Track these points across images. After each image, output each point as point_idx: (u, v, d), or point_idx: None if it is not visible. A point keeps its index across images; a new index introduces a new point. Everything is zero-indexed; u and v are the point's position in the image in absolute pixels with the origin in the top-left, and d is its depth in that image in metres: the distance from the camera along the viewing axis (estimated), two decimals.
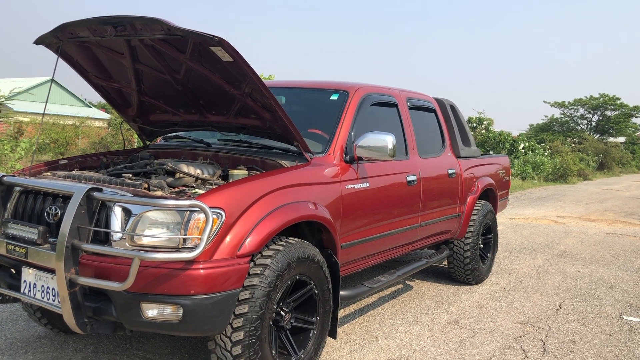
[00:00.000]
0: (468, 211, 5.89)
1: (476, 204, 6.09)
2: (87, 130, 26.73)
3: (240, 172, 3.69)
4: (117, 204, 3.01)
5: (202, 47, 3.31)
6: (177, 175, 3.61)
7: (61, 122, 25.63)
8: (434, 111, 5.68)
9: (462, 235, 5.92)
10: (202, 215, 2.91)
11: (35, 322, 4.19)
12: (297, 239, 3.46)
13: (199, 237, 2.87)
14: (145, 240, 2.95)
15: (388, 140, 3.97)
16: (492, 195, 6.61)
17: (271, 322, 3.31)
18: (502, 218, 12.11)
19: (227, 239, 3.02)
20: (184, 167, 3.65)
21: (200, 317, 2.92)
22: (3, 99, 19.30)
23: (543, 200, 16.76)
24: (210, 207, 2.94)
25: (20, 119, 23.32)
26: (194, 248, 2.85)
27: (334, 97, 4.42)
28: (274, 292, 3.20)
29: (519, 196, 18.21)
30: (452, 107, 6.13)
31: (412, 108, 5.22)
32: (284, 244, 3.35)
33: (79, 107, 40.96)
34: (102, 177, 3.50)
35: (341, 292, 4.08)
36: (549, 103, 55.25)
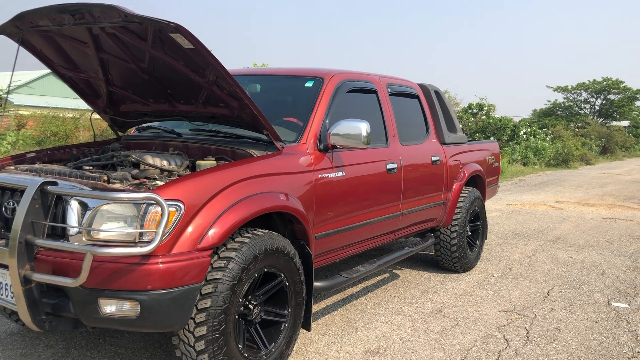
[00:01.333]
0: (454, 198, 5.79)
1: (463, 191, 5.98)
2: (87, 123, 26.60)
3: (207, 163, 3.60)
4: (73, 197, 2.93)
5: (162, 34, 3.21)
6: (142, 167, 3.52)
7: (61, 115, 25.56)
8: (417, 97, 5.57)
9: (449, 223, 5.82)
10: (158, 208, 2.83)
11: (6, 319, 4.12)
12: (265, 231, 3.38)
13: (155, 230, 2.78)
14: (102, 235, 2.87)
15: (362, 127, 3.87)
16: (480, 182, 6.49)
17: (237, 316, 3.24)
18: (498, 204, 12.00)
19: (187, 232, 2.94)
20: (149, 159, 3.55)
21: (159, 313, 2.85)
22: (1, 93, 19.25)
23: (543, 186, 16.62)
24: (168, 200, 2.86)
25: (21, 112, 23.25)
26: (149, 242, 2.76)
27: (308, 84, 4.32)
28: (239, 286, 3.12)
29: (519, 182, 18.08)
30: (437, 93, 6.01)
31: (393, 94, 5.11)
32: (251, 235, 3.26)
33: (79, 100, 40.81)
34: (64, 169, 3.41)
35: (317, 284, 4.00)
36: (551, 88, 54.75)
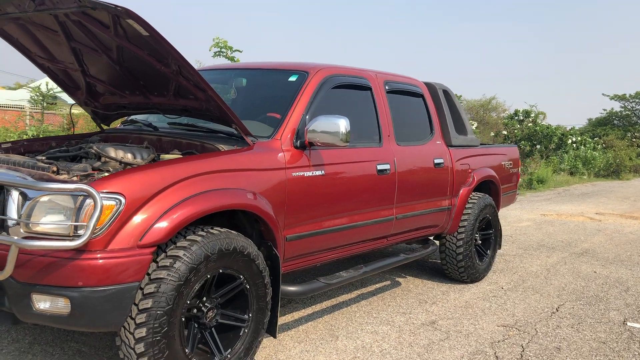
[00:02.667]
0: (460, 204, 5.47)
1: (471, 197, 5.65)
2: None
3: (170, 157, 3.45)
4: (14, 188, 2.83)
5: (120, 21, 3.08)
6: (103, 159, 3.40)
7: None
8: (421, 96, 5.28)
9: (454, 230, 5.50)
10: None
11: None
12: (222, 229, 3.19)
13: (86, 224, 2.64)
14: (39, 227, 2.75)
15: (340, 124, 3.65)
16: (494, 188, 6.14)
17: (189, 319, 3.09)
18: (533, 214, 11.49)
19: (128, 227, 2.78)
20: (111, 151, 3.43)
21: (91, 311, 2.70)
22: (52, 91, 19.78)
23: (586, 197, 15.87)
24: (107, 192, 2.72)
25: (73, 111, 23.97)
26: (80, 236, 2.62)
27: (292, 79, 4.12)
28: (187, 287, 2.94)
29: (562, 192, 17.35)
30: (446, 93, 5.70)
31: (391, 92, 4.84)
32: (204, 234, 3.08)
33: None
34: (21, 160, 3.32)
35: (291, 288, 3.80)
36: (608, 96, 52.54)
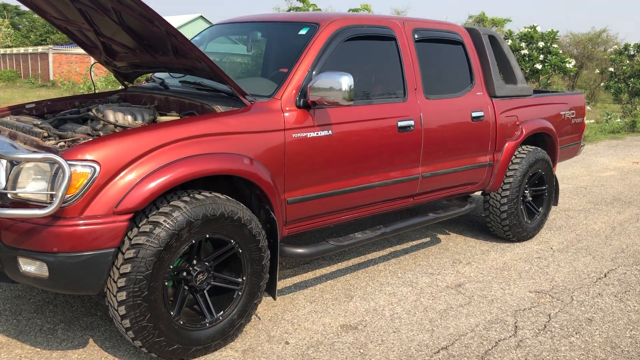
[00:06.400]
0: (504, 160, 5.09)
1: (519, 151, 5.26)
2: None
3: (166, 119, 3.44)
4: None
5: None
6: (101, 122, 3.45)
7: None
8: (460, 44, 4.88)
9: (497, 187, 5.17)
10: (73, 168, 2.74)
11: None
12: (208, 194, 3.16)
13: (54, 192, 2.70)
14: (22, 194, 2.85)
15: (343, 81, 3.45)
16: (550, 141, 5.66)
17: (175, 282, 3.14)
18: (624, 162, 10.59)
19: (103, 194, 2.82)
20: (110, 114, 3.47)
21: (67, 276, 2.80)
22: None
23: None
24: (81, 160, 2.77)
25: None
26: (51, 204, 2.69)
27: (302, 32, 3.92)
28: (168, 252, 2.96)
29: None
30: (492, 38, 5.23)
31: (422, 40, 4.50)
32: (188, 199, 3.07)
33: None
34: (23, 124, 3.43)
35: (296, 250, 3.77)
36: None
